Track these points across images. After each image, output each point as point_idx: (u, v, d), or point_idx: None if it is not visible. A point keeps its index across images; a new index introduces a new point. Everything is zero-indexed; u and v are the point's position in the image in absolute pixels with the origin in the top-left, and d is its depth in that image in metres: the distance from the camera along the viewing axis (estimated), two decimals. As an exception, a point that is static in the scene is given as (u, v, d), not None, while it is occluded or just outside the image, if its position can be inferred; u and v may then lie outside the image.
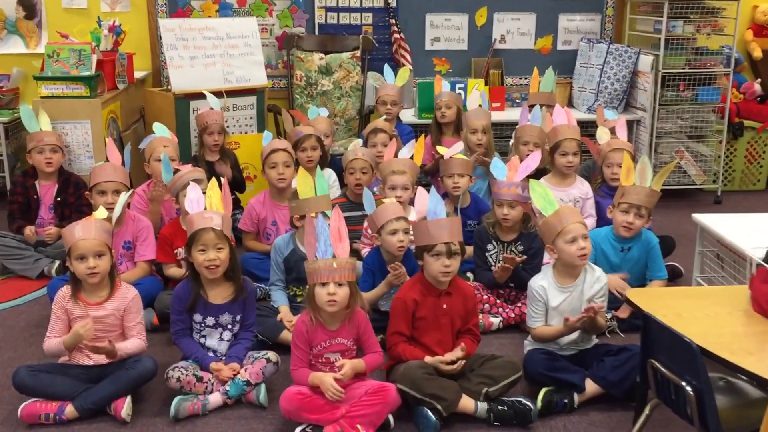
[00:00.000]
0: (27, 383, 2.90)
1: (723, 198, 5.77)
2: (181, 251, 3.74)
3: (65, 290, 3.00)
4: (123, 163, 3.89)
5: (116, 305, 3.00)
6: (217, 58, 5.06)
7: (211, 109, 4.67)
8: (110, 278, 3.00)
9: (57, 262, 4.17)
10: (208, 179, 3.84)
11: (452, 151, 4.15)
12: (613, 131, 4.43)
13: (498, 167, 3.70)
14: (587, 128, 5.05)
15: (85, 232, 2.93)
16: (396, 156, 4.12)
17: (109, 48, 5.03)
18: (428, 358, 2.94)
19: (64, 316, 2.98)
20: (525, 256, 3.64)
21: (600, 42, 5.82)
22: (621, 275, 3.59)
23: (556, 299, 3.10)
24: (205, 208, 3.07)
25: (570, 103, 5.96)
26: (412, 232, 3.34)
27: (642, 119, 5.61)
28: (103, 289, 3.00)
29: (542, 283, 3.11)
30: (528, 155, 4.25)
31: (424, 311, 3.00)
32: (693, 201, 5.77)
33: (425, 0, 5.86)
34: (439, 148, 4.28)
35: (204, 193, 3.13)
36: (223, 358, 3.09)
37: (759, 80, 6.05)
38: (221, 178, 3.24)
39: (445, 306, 3.02)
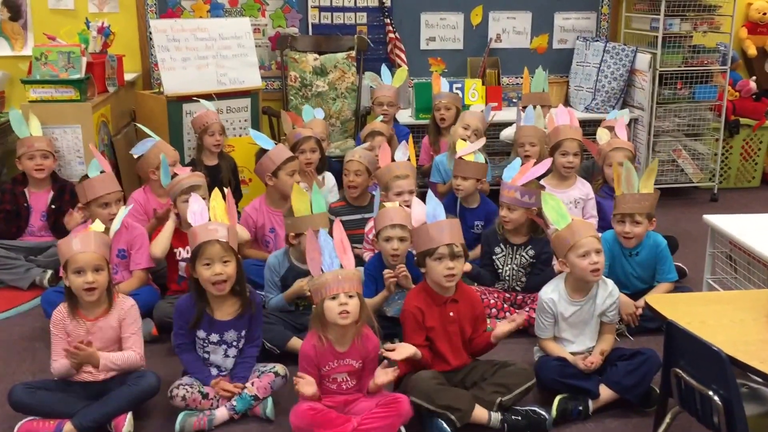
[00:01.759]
0: (23, 401, 2.79)
1: (719, 195, 5.75)
2: (181, 251, 3.65)
3: (62, 309, 2.88)
4: (114, 168, 3.80)
5: (116, 318, 2.90)
6: (209, 59, 4.95)
7: (207, 110, 4.57)
8: (107, 293, 2.89)
9: (49, 272, 4.05)
10: (207, 184, 3.77)
11: (468, 149, 4.08)
12: (612, 130, 4.38)
13: (511, 168, 3.65)
14: (585, 128, 5.00)
15: (84, 245, 2.81)
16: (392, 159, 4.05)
17: (98, 50, 4.90)
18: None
19: (64, 335, 2.87)
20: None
21: (597, 40, 5.79)
22: (637, 304, 3.53)
23: (567, 311, 3.06)
24: (209, 220, 2.93)
25: (567, 103, 5.91)
26: (407, 238, 3.33)
27: (640, 118, 5.57)
28: (102, 304, 2.89)
29: (552, 295, 3.07)
30: (525, 156, 4.22)
31: (431, 321, 2.93)
32: (689, 199, 5.77)
33: (420, -1, 5.81)
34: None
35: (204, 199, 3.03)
36: (227, 374, 3.00)
37: (754, 78, 6.04)
38: (224, 188, 3.12)
39: (452, 314, 2.95)
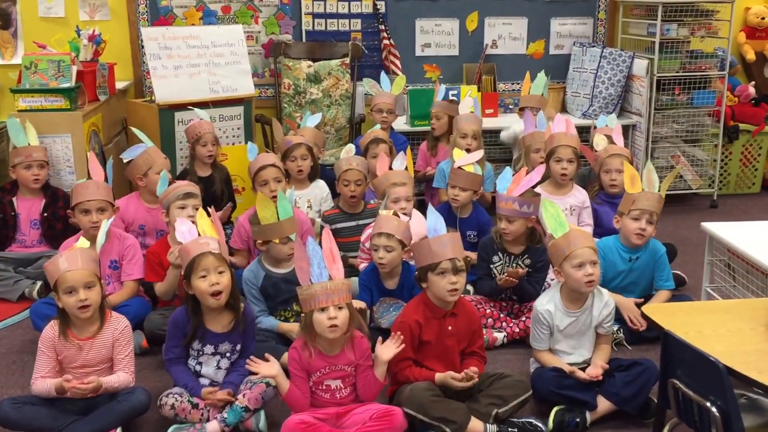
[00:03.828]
0: (10, 416, 2.74)
1: (719, 202, 5.71)
2: None
3: (53, 328, 2.83)
4: (105, 179, 3.73)
5: (108, 337, 2.86)
6: (202, 67, 4.91)
7: (201, 119, 4.52)
8: (100, 310, 2.85)
9: (39, 284, 3.99)
10: (204, 195, 3.73)
11: (466, 160, 4.03)
12: (609, 138, 4.36)
13: (503, 179, 3.60)
14: (582, 134, 4.96)
15: (71, 263, 2.76)
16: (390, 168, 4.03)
17: (88, 58, 4.88)
18: (438, 375, 2.84)
19: (53, 353, 2.82)
20: (527, 269, 3.57)
21: (593, 46, 5.75)
22: (634, 300, 3.50)
23: (562, 322, 3.03)
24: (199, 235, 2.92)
25: (564, 109, 5.87)
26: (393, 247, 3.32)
27: (637, 124, 5.52)
28: (94, 322, 2.84)
29: (548, 306, 3.04)
30: (542, 162, 4.19)
31: (429, 335, 2.90)
32: (688, 206, 5.73)
33: (415, 5, 5.76)
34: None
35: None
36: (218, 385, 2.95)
37: (753, 83, 5.99)
38: (209, 209, 3.08)
39: (450, 328, 2.92)
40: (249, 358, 2.77)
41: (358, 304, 3.26)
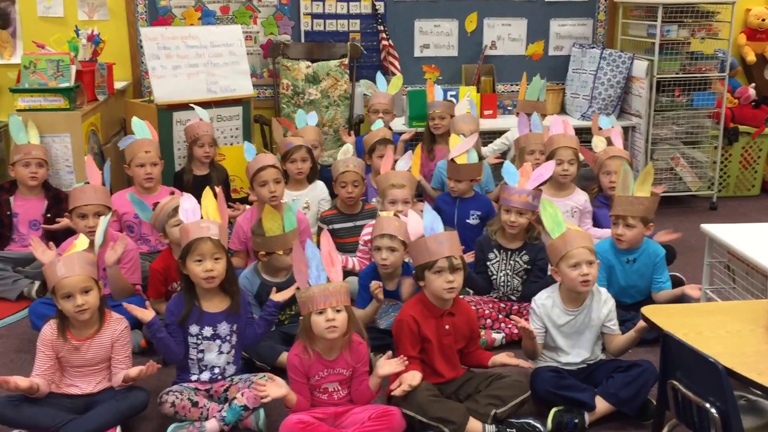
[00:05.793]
0: (7, 414, 2.74)
1: (718, 204, 5.71)
2: (176, 286, 3.57)
3: (51, 327, 2.83)
4: (103, 182, 3.72)
5: (107, 338, 2.86)
6: (200, 67, 4.91)
7: (200, 120, 4.52)
8: (99, 311, 2.85)
9: (37, 283, 3.98)
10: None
11: (460, 150, 4.02)
12: (609, 140, 4.36)
13: (510, 173, 3.61)
14: (582, 135, 4.96)
15: (67, 269, 2.76)
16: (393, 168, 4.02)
17: (87, 58, 4.89)
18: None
19: (51, 353, 2.82)
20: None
21: (593, 47, 5.74)
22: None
23: (560, 319, 3.02)
24: (201, 218, 2.93)
25: (563, 110, 5.87)
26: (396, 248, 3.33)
27: (637, 125, 5.52)
28: (93, 323, 2.85)
29: (546, 301, 3.04)
30: (536, 164, 4.21)
31: (427, 333, 2.90)
32: (688, 207, 5.72)
33: (414, 6, 5.77)
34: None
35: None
36: (221, 378, 2.97)
37: (753, 84, 5.98)
38: (216, 188, 3.09)
39: (447, 326, 2.92)
40: (256, 382, 2.78)
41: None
